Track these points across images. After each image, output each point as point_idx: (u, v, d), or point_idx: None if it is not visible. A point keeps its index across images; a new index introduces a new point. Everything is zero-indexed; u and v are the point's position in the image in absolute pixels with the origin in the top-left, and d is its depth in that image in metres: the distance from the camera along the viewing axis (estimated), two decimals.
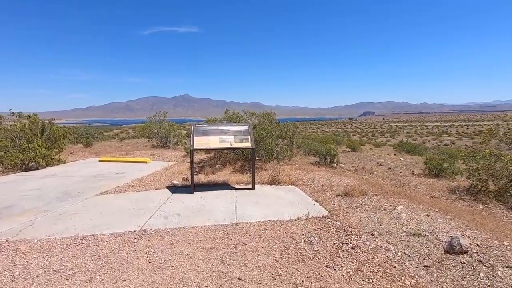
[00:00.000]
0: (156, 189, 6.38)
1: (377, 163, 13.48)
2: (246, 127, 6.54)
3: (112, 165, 9.80)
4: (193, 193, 6.01)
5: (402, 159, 17.53)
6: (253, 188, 6.25)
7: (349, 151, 19.90)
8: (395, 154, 21.43)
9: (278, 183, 6.61)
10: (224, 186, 6.62)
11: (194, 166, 8.85)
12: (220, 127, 6.46)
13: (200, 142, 6.07)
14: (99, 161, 10.65)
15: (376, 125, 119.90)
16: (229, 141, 6.19)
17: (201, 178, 7.31)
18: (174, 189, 6.40)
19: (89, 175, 8.12)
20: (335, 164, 9.93)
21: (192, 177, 6.01)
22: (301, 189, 6.13)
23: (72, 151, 14.17)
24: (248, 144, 6.21)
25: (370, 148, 25.10)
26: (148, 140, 15.36)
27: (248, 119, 9.26)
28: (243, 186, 6.52)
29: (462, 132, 67.17)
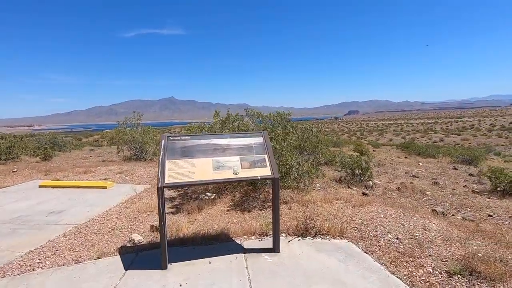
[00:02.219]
0: (98, 258, 3.45)
1: (405, 172, 11.00)
2: (258, 140, 3.72)
3: (55, 193, 6.74)
4: (165, 268, 3.15)
5: (420, 163, 15.24)
6: (276, 249, 3.45)
7: (357, 155, 17.47)
8: (406, 157, 19.20)
9: (317, 233, 3.83)
10: (222, 243, 3.78)
11: (168, 199, 5.93)
12: (215, 140, 3.60)
13: (176, 171, 3.21)
14: (40, 186, 7.55)
15: (362, 124, 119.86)
16: (232, 167, 3.36)
17: (181, 222, 4.44)
18: (131, 256, 3.51)
19: (2, 219, 5.07)
20: (370, 182, 7.25)
21: (163, 238, 3.13)
22: (364, 251, 3.36)
23: (15, 169, 10.88)
24: (266, 171, 3.39)
25: (373, 150, 22.84)
26: (118, 152, 12.22)
27: (251, 121, 6.42)
28: (257, 244, 3.70)
29: (447, 129, 68.68)
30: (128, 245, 3.82)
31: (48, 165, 11.96)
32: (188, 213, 4.91)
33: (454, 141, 44.69)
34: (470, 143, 41.66)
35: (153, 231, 4.16)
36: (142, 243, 3.86)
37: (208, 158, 3.41)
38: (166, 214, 4.82)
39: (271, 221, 4.27)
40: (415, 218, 4.13)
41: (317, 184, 6.83)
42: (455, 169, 12.82)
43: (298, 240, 3.75)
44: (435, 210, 4.99)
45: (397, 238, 3.54)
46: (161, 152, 3.35)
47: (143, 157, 12.06)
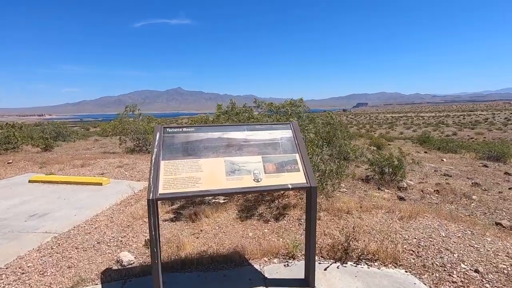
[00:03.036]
0: None
1: (434, 170, 9.93)
2: (286, 133, 2.76)
3: (44, 190, 5.95)
4: None
5: (444, 159, 14.11)
6: (310, 283, 2.52)
7: (373, 150, 16.41)
8: (425, 152, 18.03)
9: (360, 257, 2.90)
10: (236, 268, 2.88)
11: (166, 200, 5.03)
12: (228, 133, 2.65)
13: (175, 176, 2.28)
14: (30, 181, 6.77)
15: (371, 117, 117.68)
16: (252, 171, 2.42)
17: (183, 235, 3.55)
18: (117, 285, 2.64)
19: None
20: (404, 183, 6.25)
21: (155, 269, 2.23)
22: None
23: (11, 160, 10.19)
24: (299, 177, 2.44)
25: (388, 144, 21.66)
26: (120, 144, 11.40)
27: (260, 113, 5.42)
28: (283, 270, 2.79)
29: (459, 122, 66.90)
30: (115, 267, 2.95)
31: (47, 157, 11.26)
32: (192, 221, 4.02)
33: (468, 135, 43.16)
34: (485, 137, 39.98)
35: (148, 248, 3.29)
36: (133, 264, 2.98)
37: (219, 158, 2.47)
38: (165, 222, 3.94)
39: (298, 237, 3.35)
40: (489, 239, 3.14)
41: (342, 185, 5.88)
42: (486, 166, 11.66)
43: (337, 267, 2.82)
44: (500, 223, 4.00)
45: (476, 271, 2.58)
46: (155, 149, 2.43)
47: (147, 149, 11.25)
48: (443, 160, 13.71)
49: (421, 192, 5.93)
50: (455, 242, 3.08)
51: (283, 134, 2.76)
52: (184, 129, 2.64)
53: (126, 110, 12.44)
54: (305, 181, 2.44)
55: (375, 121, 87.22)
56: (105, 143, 17.88)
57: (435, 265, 2.71)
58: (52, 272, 2.88)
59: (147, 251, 3.25)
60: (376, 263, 2.82)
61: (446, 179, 7.85)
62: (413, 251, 2.96)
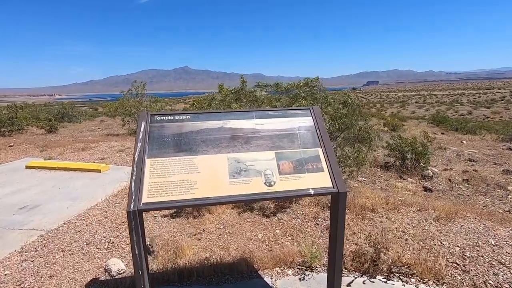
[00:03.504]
0: None
1: (457, 154, 9.23)
2: (306, 120, 2.18)
3: (39, 178, 5.60)
4: None
5: (464, 142, 13.33)
6: None
7: (387, 131, 15.65)
8: (443, 133, 17.18)
9: (392, 270, 2.41)
10: (244, 281, 2.43)
11: None
12: (232, 122, 2.09)
13: (164, 180, 1.78)
14: (27, 167, 6.44)
15: (382, 95, 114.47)
16: (263, 171, 1.89)
17: (181, 238, 3.11)
18: None
19: None
20: (429, 171, 5.64)
21: None
22: None
23: (12, 143, 9.92)
24: (323, 180, 1.90)
25: (402, 124, 20.75)
26: (123, 125, 10.97)
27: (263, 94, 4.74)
28: (298, 285, 2.33)
29: (475, 101, 64.43)
30: (102, 277, 2.53)
31: (49, 139, 10.97)
32: (194, 217, 3.57)
33: (484, 114, 41.55)
34: (501, 117, 38.34)
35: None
36: (123, 274, 2.56)
37: (221, 155, 1.93)
38: (164, 218, 3.49)
39: (316, 241, 2.86)
40: None
41: (358, 172, 5.33)
42: (510, 149, 10.87)
43: (364, 282, 2.33)
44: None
45: None
46: (138, 144, 1.90)
47: None
48: (462, 142, 12.94)
49: (449, 182, 5.35)
50: (509, 253, 2.54)
51: (301, 122, 2.18)
52: (177, 117, 2.09)
53: (130, 90, 11.91)
54: (331, 185, 1.90)
55: (386, 100, 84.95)
56: (110, 124, 17.55)
57: (488, 285, 2.19)
58: (31, 283, 2.48)
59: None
60: (412, 279, 2.32)
61: (472, 165, 7.20)
62: (458, 265, 2.44)
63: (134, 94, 11.13)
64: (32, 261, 2.81)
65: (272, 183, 1.86)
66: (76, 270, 2.65)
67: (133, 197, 1.70)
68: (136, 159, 1.84)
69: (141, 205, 1.68)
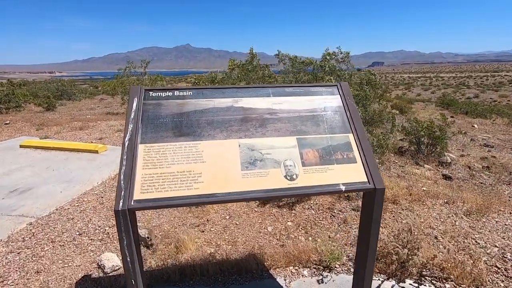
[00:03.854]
0: None
1: (471, 139, 8.83)
2: (333, 99, 1.80)
3: (33, 158, 5.30)
4: None
5: (475, 126, 12.89)
6: None
7: (396, 113, 15.16)
8: (452, 117, 16.68)
9: (422, 274, 2.11)
10: (253, 282, 2.15)
11: None
12: (243, 100, 1.71)
13: (160, 171, 1.43)
14: (21, 146, 6.13)
15: (387, 77, 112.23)
16: (282, 161, 1.54)
17: (180, 223, 2.82)
18: None
19: None
20: (447, 157, 5.28)
21: None
22: None
23: (8, 121, 9.60)
24: (356, 174, 1.55)
25: (411, 107, 20.16)
26: (123, 103, 10.57)
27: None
28: None
29: (481, 84, 62.83)
30: (95, 274, 2.26)
31: (46, 117, 10.63)
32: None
33: (491, 98, 40.57)
34: (509, 100, 37.40)
35: (143, 247, 2.57)
36: (118, 271, 2.28)
37: (231, 141, 1.57)
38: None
39: (333, 236, 2.56)
40: None
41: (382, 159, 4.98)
42: None
43: (392, 286, 2.04)
44: None
45: None
46: (129, 126, 1.53)
47: None
48: (473, 126, 12.50)
49: (468, 169, 5.00)
50: None
51: (327, 101, 1.80)
52: (177, 93, 1.71)
53: (129, 67, 11.39)
54: (366, 180, 1.54)
55: (391, 82, 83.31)
56: (110, 102, 17.12)
57: None
58: (15, 279, 2.22)
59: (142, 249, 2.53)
60: (447, 285, 2.03)
61: (488, 151, 6.84)
62: (499, 268, 2.14)
63: (133, 72, 10.64)
64: (18, 253, 2.53)
65: (294, 177, 1.51)
66: (66, 265, 2.38)
67: (122, 192, 1.36)
68: (126, 145, 1.48)
69: (132, 203, 1.34)
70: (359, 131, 1.70)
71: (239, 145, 1.56)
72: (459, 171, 4.92)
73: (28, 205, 3.48)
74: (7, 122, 9.48)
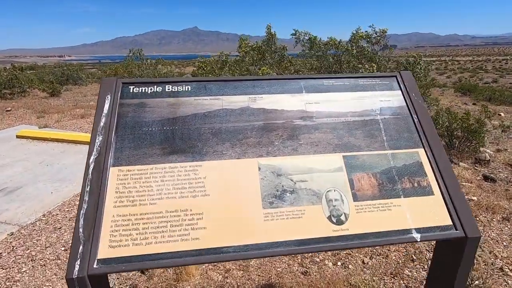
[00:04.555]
0: None
1: (502, 130, 8.10)
2: (391, 97, 1.27)
3: (28, 151, 4.93)
4: None
5: (501, 114, 12.02)
6: None
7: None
8: (474, 104, 15.73)
9: None
10: None
11: None
12: (263, 98, 1.21)
13: (139, 212, 0.95)
14: (17, 137, 5.77)
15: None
16: (323, 194, 1.04)
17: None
18: None
19: None
20: (486, 154, 4.67)
21: None
22: None
23: (11, 107, 9.30)
24: (435, 214, 1.04)
25: (429, 94, 19.14)
26: None
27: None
28: None
29: (500, 68, 59.89)
30: None
31: (49, 104, 10.29)
32: None
33: (511, 83, 38.64)
34: None
35: (140, 273, 2.13)
36: None
37: (246, 160, 1.07)
38: None
39: (366, 261, 2.07)
40: None
41: None
42: None
43: None
44: None
45: None
46: (97, 139, 1.04)
47: None
48: (500, 115, 11.64)
49: (510, 168, 4.40)
50: None
51: (384, 100, 1.26)
52: (169, 88, 1.19)
53: (133, 52, 10.86)
54: (450, 222, 1.03)
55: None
56: None
57: None
58: None
59: (135, 275, 2.10)
60: None
61: None
62: None
63: (137, 58, 10.13)
64: None
65: (343, 218, 1.00)
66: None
67: (81, 247, 0.88)
68: (90, 168, 0.99)
69: (94, 265, 0.86)
70: (433, 144, 1.16)
71: (259, 168, 1.05)
72: (499, 170, 4.32)
73: (13, 209, 3.08)
74: (9, 109, 9.17)
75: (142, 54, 9.58)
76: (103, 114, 1.08)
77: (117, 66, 10.00)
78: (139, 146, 1.05)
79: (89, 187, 0.96)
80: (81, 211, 0.92)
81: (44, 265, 2.24)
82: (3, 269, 2.21)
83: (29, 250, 2.41)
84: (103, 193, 0.96)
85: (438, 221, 1.02)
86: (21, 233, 2.65)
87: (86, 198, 0.95)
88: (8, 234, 2.64)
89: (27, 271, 2.18)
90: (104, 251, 0.88)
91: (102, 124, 1.07)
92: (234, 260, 0.94)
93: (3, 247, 2.45)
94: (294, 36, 3.32)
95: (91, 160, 1.00)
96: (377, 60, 3.06)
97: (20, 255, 2.35)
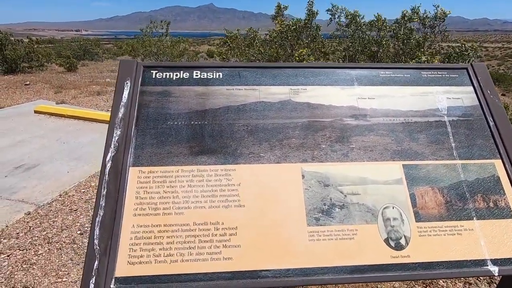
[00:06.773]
0: None
1: None
2: (461, 93, 1.07)
3: (46, 127, 4.94)
4: None
5: None
6: None
7: None
8: (503, 95, 14.86)
9: None
10: None
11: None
12: (307, 90, 1.02)
13: (162, 224, 0.80)
14: (35, 112, 5.79)
15: None
16: (379, 211, 0.87)
17: None
18: None
19: None
20: None
21: None
22: None
23: (28, 82, 9.35)
24: None
25: None
26: None
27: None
28: None
29: None
30: None
31: (66, 79, 10.30)
32: None
33: None
34: None
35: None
36: None
37: (287, 165, 0.90)
38: None
39: None
40: None
41: None
42: None
43: None
44: None
45: None
46: (114, 133, 0.90)
47: None
48: None
49: None
50: None
51: (451, 97, 1.05)
52: (197, 73, 1.02)
53: (150, 27, 10.62)
54: None
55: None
56: None
57: None
58: None
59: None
60: None
61: None
62: None
63: (155, 33, 9.87)
64: (8, 256, 2.12)
65: (402, 242, 0.83)
66: (59, 279, 1.93)
67: (96, 263, 0.75)
68: (107, 168, 0.85)
69: (112, 285, 0.74)
70: (510, 150, 0.96)
71: (303, 176, 0.88)
72: None
73: (30, 187, 3.06)
74: (27, 83, 9.23)
75: (167, 26, 9.24)
76: (121, 103, 0.93)
77: (133, 42, 9.81)
78: (162, 143, 0.90)
79: (105, 190, 0.82)
80: (97, 219, 0.79)
81: (60, 249, 2.20)
82: (20, 250, 2.18)
83: (45, 232, 2.38)
84: (121, 198, 0.82)
85: None
86: (38, 213, 2.62)
87: (103, 203, 0.81)
88: (25, 213, 2.62)
89: (43, 254, 2.15)
90: (122, 268, 0.75)
91: (120, 115, 0.91)
92: (273, 286, 0.80)
93: (20, 227, 2.43)
94: (330, 12, 2.96)
95: (108, 158, 0.86)
96: (424, 48, 2.71)
97: (37, 237, 2.32)
